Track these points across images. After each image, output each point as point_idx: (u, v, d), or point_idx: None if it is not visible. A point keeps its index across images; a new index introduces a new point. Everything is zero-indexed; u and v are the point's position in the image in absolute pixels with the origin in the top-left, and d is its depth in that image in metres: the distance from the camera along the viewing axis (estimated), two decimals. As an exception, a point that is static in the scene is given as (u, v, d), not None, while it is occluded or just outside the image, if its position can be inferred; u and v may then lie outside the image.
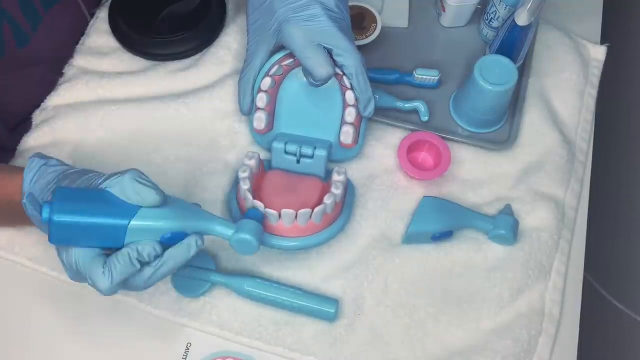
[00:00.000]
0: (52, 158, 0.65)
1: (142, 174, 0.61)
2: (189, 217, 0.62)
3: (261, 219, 0.66)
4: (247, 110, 0.76)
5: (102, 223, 0.58)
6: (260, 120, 0.76)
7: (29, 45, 0.80)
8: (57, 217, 0.57)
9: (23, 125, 0.82)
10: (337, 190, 0.69)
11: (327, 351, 0.70)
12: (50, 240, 0.58)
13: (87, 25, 0.88)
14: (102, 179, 0.61)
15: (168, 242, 0.61)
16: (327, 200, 0.68)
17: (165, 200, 0.61)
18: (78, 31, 0.87)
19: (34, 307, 0.72)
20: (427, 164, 0.80)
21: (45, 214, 0.57)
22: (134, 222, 0.59)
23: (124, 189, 0.59)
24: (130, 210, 0.59)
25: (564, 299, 0.75)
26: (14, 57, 0.78)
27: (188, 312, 0.71)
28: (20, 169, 0.65)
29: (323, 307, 0.70)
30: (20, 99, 0.82)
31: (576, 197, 0.81)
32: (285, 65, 0.74)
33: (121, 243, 0.60)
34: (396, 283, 0.74)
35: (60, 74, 0.84)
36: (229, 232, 0.63)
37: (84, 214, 0.58)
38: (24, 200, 0.61)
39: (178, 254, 0.61)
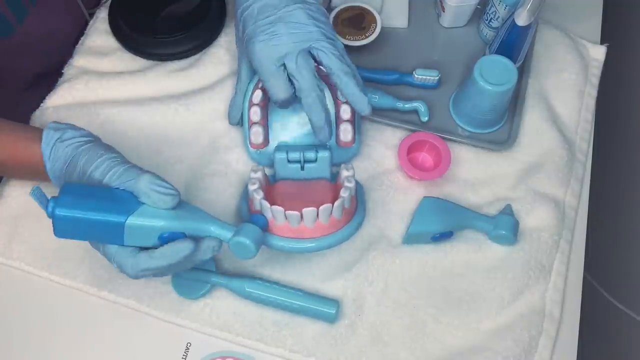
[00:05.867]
0: (67, 129, 0.65)
1: (158, 178, 0.61)
2: (188, 217, 0.62)
3: (264, 225, 0.66)
4: (235, 119, 0.78)
5: (102, 219, 0.59)
6: (257, 134, 0.75)
7: (13, 36, 0.79)
8: (59, 211, 0.58)
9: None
10: (350, 184, 0.68)
11: (328, 352, 0.70)
12: (55, 234, 0.60)
13: (84, 19, 0.88)
14: (116, 176, 0.61)
15: (166, 241, 0.62)
16: (344, 193, 0.67)
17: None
18: (75, 26, 0.87)
19: (33, 311, 0.72)
20: (427, 165, 0.80)
21: (50, 208, 0.59)
22: (131, 220, 0.60)
23: (139, 195, 0.60)
24: (131, 208, 0.60)
25: (564, 299, 0.75)
26: None
27: (189, 314, 0.71)
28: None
29: (323, 308, 0.70)
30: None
31: (576, 197, 0.81)
32: None
33: (121, 240, 0.60)
34: (396, 283, 0.74)
35: (53, 71, 0.84)
36: (227, 234, 0.63)
37: (85, 209, 0.59)
38: (30, 194, 0.61)
39: (173, 251, 0.61)
